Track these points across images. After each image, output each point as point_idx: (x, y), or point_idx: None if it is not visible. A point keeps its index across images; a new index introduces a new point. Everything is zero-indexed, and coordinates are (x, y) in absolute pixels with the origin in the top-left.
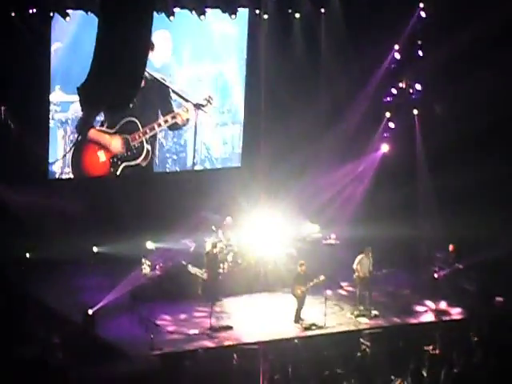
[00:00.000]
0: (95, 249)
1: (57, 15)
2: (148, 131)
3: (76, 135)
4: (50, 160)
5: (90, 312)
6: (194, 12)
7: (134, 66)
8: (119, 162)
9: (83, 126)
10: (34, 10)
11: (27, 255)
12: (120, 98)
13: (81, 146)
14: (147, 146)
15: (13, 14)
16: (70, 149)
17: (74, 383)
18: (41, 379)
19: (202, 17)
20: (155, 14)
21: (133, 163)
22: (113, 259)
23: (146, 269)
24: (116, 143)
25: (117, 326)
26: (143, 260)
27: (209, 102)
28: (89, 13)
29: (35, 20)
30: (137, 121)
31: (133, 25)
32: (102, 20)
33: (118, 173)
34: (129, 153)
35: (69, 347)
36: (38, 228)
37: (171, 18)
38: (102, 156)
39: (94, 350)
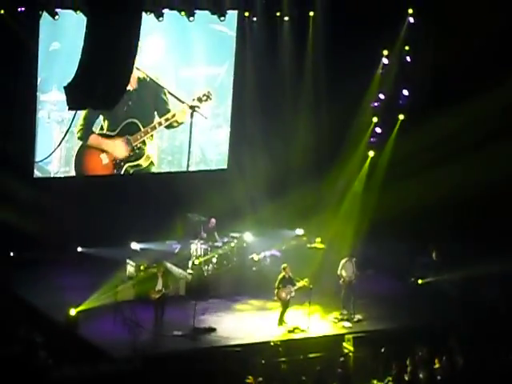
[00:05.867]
0: (80, 248)
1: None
2: (149, 130)
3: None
4: (41, 158)
5: (73, 312)
6: (183, 13)
7: (121, 67)
8: (122, 163)
9: (84, 131)
10: (23, 9)
11: (11, 254)
12: (105, 99)
13: (82, 152)
14: (148, 146)
15: (2, 12)
16: (59, 145)
17: (57, 383)
18: (23, 379)
19: (191, 18)
20: (144, 14)
21: (135, 163)
22: (98, 259)
23: (130, 269)
24: (119, 146)
25: (100, 326)
26: (128, 261)
27: (208, 97)
28: (78, 12)
29: (24, 18)
30: (137, 121)
31: (121, 24)
32: (90, 19)
33: (122, 172)
34: (131, 153)
35: (51, 347)
36: (24, 226)
37: (160, 18)
38: (104, 159)
39: (76, 350)
